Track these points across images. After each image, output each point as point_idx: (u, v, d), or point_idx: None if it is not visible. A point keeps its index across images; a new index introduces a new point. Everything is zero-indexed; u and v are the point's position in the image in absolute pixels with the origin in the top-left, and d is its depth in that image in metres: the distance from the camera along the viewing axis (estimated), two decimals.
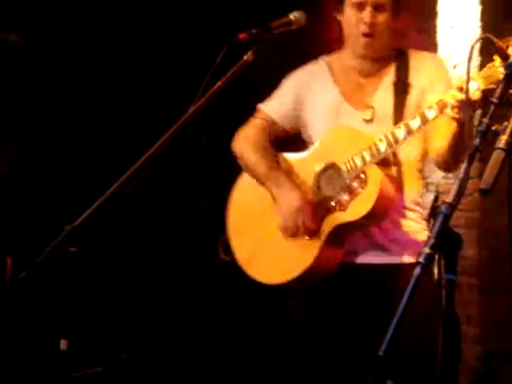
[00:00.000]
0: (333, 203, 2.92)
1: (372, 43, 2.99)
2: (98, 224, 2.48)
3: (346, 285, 3.00)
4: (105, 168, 4.20)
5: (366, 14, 2.95)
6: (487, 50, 2.44)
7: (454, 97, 2.68)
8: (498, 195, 1.92)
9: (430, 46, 4.96)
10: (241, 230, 3.15)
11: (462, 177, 1.95)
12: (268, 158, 3.10)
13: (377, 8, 2.97)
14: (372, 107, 3.01)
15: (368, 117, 3.01)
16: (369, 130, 2.97)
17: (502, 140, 1.85)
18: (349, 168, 2.90)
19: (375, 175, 2.87)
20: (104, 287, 5.38)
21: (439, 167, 3.03)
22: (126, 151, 3.62)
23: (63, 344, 3.22)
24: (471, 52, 2.08)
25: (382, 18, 2.98)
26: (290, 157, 3.13)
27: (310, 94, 3.10)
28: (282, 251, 3.02)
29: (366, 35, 2.98)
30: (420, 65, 3.03)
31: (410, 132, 2.82)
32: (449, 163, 2.94)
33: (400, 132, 2.83)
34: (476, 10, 4.65)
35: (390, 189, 2.91)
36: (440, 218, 1.92)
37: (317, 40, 3.56)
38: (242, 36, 2.74)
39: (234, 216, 3.17)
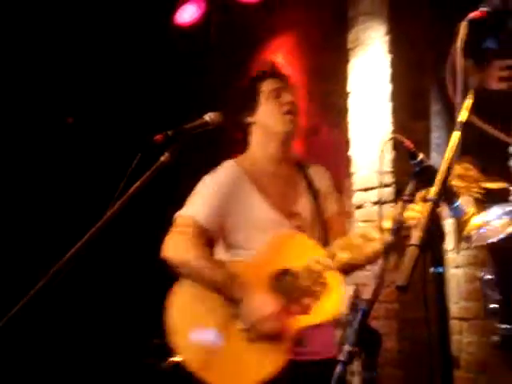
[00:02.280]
0: (294, 307, 2.94)
1: (293, 122, 3.14)
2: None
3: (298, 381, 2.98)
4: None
5: (285, 95, 3.15)
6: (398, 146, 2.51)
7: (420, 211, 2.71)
8: (415, 286, 1.95)
9: (342, 141, 5.07)
10: (187, 333, 3.04)
11: (379, 272, 1.99)
12: (216, 263, 3.05)
13: (291, 94, 3.18)
14: (299, 214, 3.12)
15: (297, 223, 3.10)
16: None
17: (415, 236, 1.89)
18: (306, 273, 2.94)
19: (335, 279, 2.94)
20: None
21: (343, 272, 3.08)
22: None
23: None
24: (382, 152, 2.15)
25: (295, 103, 3.18)
26: (231, 263, 3.07)
27: (234, 200, 3.11)
28: (243, 357, 2.96)
29: (288, 112, 3.13)
30: (316, 174, 3.21)
31: (367, 240, 2.90)
32: (354, 270, 3.09)
33: (357, 239, 2.92)
34: (387, 106, 4.79)
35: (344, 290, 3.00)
36: (359, 316, 1.95)
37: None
38: (157, 138, 2.77)
39: (178, 319, 3.05)
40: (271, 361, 2.92)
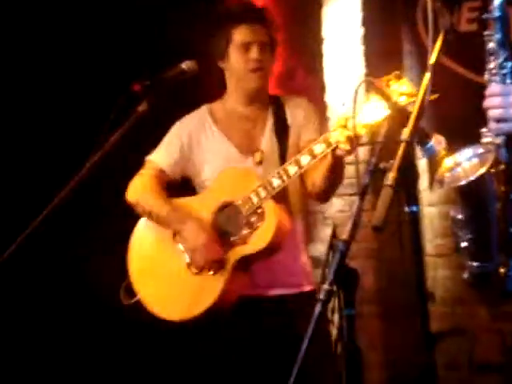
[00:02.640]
0: (233, 238, 3.00)
1: (261, 77, 3.13)
2: None
3: (254, 317, 3.07)
4: None
5: (254, 51, 3.09)
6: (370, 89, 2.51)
7: (342, 134, 2.76)
8: (391, 225, 1.97)
9: (318, 85, 5.05)
10: (144, 272, 3.17)
11: (356, 213, 2.00)
12: (165, 200, 3.15)
13: (261, 47, 3.11)
14: (261, 151, 3.13)
15: (258, 159, 3.13)
16: (259, 171, 3.10)
17: (390, 177, 1.90)
18: (246, 205, 2.99)
19: (271, 209, 2.97)
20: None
21: (316, 199, 3.17)
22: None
23: None
24: (355, 94, 2.14)
25: (266, 55, 3.13)
26: (184, 200, 3.19)
27: (196, 144, 3.18)
28: (188, 287, 3.05)
29: (255, 70, 3.10)
30: (294, 108, 3.20)
31: (300, 167, 2.92)
32: (326, 195, 3.11)
33: (291, 168, 2.93)
34: (359, 49, 4.77)
35: (285, 221, 3.02)
36: (337, 255, 1.95)
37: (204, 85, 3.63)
38: (135, 87, 2.75)
39: (135, 260, 3.18)
40: (213, 291, 2.99)
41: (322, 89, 5.01)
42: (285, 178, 2.94)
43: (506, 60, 1.99)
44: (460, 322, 4.54)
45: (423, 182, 4.38)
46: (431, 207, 4.52)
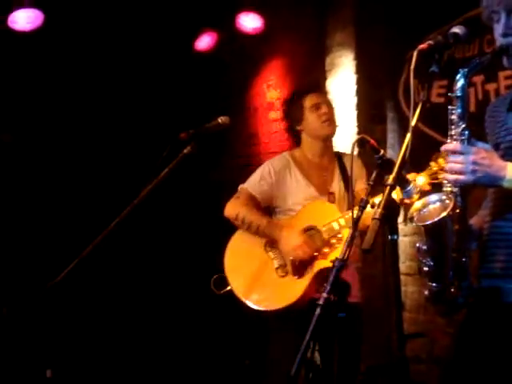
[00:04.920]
0: (316, 253, 3.07)
1: (330, 125, 3.27)
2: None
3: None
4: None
5: (323, 108, 3.27)
6: (364, 145, 2.49)
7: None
8: (375, 249, 1.95)
9: None
10: (237, 270, 3.18)
11: (349, 239, 1.98)
12: (263, 214, 3.22)
13: (327, 104, 3.30)
14: (333, 193, 3.26)
15: (331, 199, 3.25)
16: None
17: (377, 212, 1.88)
18: (328, 229, 3.07)
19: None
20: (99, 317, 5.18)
21: None
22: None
23: (49, 373, 3.08)
24: (353, 147, 2.14)
25: (331, 111, 3.31)
26: (276, 219, 3.25)
27: (282, 181, 3.27)
28: (274, 286, 3.08)
29: (325, 121, 3.25)
30: (349, 160, 3.22)
31: (373, 207, 2.92)
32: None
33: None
34: (353, 113, 4.77)
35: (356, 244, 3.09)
36: (334, 271, 1.94)
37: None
38: (182, 135, 2.77)
39: (231, 260, 3.20)
40: (293, 292, 3.03)
41: None
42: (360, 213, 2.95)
43: (464, 129, 1.99)
44: (422, 326, 4.49)
45: (400, 217, 4.35)
46: (405, 237, 4.49)
